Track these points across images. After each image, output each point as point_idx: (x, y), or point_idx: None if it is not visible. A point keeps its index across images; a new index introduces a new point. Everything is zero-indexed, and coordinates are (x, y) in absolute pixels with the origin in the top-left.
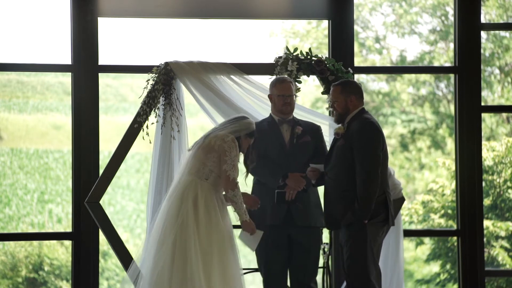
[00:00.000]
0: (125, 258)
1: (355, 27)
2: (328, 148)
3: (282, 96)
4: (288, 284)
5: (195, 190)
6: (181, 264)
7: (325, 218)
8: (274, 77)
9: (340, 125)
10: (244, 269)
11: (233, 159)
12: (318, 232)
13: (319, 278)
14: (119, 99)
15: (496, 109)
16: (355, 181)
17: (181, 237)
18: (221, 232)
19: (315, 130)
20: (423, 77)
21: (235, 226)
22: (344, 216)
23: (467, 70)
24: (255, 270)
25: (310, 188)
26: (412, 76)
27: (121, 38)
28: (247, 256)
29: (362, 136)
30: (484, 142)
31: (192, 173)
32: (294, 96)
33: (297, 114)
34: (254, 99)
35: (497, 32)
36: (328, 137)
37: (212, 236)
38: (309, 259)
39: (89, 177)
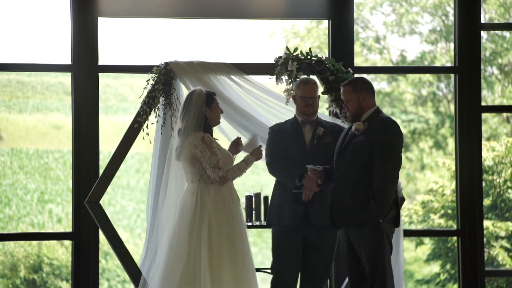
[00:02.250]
0: (125, 258)
1: (356, 27)
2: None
3: (305, 98)
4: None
5: (202, 194)
6: (191, 274)
7: (332, 214)
8: (274, 77)
9: (359, 122)
10: None
11: (208, 161)
12: (334, 233)
13: None
14: (119, 99)
15: (496, 109)
16: (368, 179)
17: (194, 244)
18: (232, 232)
19: (337, 131)
20: (426, 77)
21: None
22: (356, 214)
23: (467, 70)
24: (257, 270)
25: (328, 189)
26: (415, 76)
27: (121, 38)
28: None
29: (386, 135)
30: (484, 142)
31: (194, 182)
32: (318, 97)
33: None
34: (254, 99)
35: (497, 31)
36: None
37: (223, 236)
38: (322, 260)
39: (89, 177)
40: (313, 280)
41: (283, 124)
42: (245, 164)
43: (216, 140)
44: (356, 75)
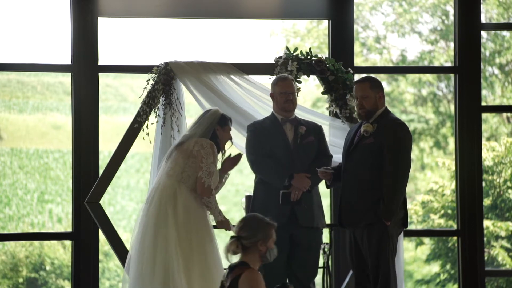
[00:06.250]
0: (125, 258)
1: (356, 27)
2: (327, 147)
3: (285, 93)
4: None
5: (174, 193)
6: (162, 269)
7: (341, 216)
8: (274, 77)
9: (368, 123)
10: None
11: (209, 165)
12: (319, 233)
13: (319, 278)
14: (119, 99)
15: (496, 109)
16: (378, 180)
17: (161, 242)
18: (201, 233)
19: (317, 130)
20: (426, 77)
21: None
22: (364, 215)
23: (467, 70)
24: None
25: (314, 188)
26: (415, 76)
27: (121, 38)
28: None
29: (395, 136)
30: (484, 142)
31: (171, 176)
32: (296, 94)
33: (297, 114)
34: (254, 99)
35: (498, 31)
36: (328, 137)
37: (192, 237)
38: (310, 260)
39: (89, 177)
40: (301, 281)
41: (262, 122)
42: (218, 211)
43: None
44: (356, 75)
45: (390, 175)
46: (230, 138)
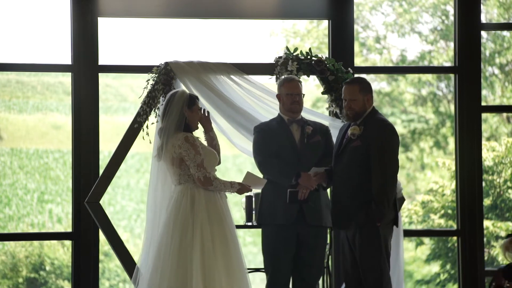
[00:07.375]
0: (125, 258)
1: (356, 27)
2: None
3: (291, 95)
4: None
5: (192, 194)
6: (183, 278)
7: (332, 217)
8: (274, 77)
9: (355, 125)
10: None
11: (193, 159)
12: (326, 232)
13: None
14: (119, 99)
15: (496, 109)
16: (367, 181)
17: (184, 246)
18: (224, 230)
19: (324, 131)
20: (426, 77)
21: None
22: (355, 217)
23: (467, 70)
24: (255, 270)
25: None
26: (415, 76)
27: (121, 38)
28: (247, 256)
29: (383, 139)
30: (484, 142)
31: (183, 182)
32: (303, 95)
33: None
34: (254, 99)
35: (498, 31)
36: None
37: (215, 235)
38: (316, 259)
39: (89, 177)
40: (307, 281)
41: (269, 123)
42: (230, 185)
43: (198, 138)
44: (356, 75)
45: (379, 176)
46: (201, 117)
